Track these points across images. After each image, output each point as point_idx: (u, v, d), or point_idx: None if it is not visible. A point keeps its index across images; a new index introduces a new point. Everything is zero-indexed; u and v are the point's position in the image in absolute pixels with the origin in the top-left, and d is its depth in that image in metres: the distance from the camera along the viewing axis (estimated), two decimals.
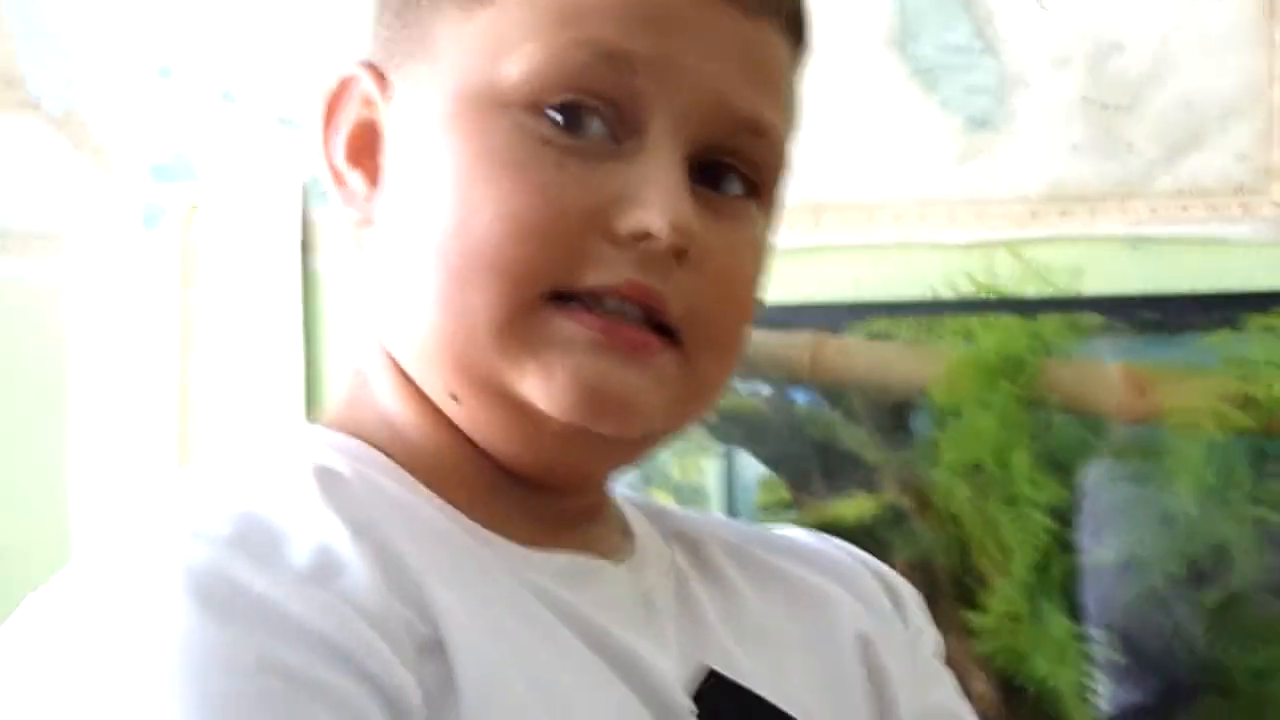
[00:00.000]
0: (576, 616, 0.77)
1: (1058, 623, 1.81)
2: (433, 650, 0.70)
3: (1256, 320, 1.80)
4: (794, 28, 0.83)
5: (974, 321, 1.87)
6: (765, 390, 1.91)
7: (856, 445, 1.88)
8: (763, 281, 0.83)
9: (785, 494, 1.92)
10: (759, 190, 0.81)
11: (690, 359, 0.78)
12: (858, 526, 1.86)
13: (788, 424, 1.91)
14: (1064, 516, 1.83)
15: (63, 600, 0.69)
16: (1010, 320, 1.86)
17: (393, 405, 0.82)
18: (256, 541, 0.69)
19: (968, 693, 0.96)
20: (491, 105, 0.77)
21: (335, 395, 0.87)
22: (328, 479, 0.75)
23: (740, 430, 1.91)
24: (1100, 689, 1.82)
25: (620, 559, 0.84)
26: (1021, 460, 1.81)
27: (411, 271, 0.79)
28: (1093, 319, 1.84)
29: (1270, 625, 1.78)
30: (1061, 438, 1.82)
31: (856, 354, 1.90)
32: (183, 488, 0.75)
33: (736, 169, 0.80)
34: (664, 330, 0.77)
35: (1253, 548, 1.77)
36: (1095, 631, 1.83)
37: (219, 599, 0.66)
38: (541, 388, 0.76)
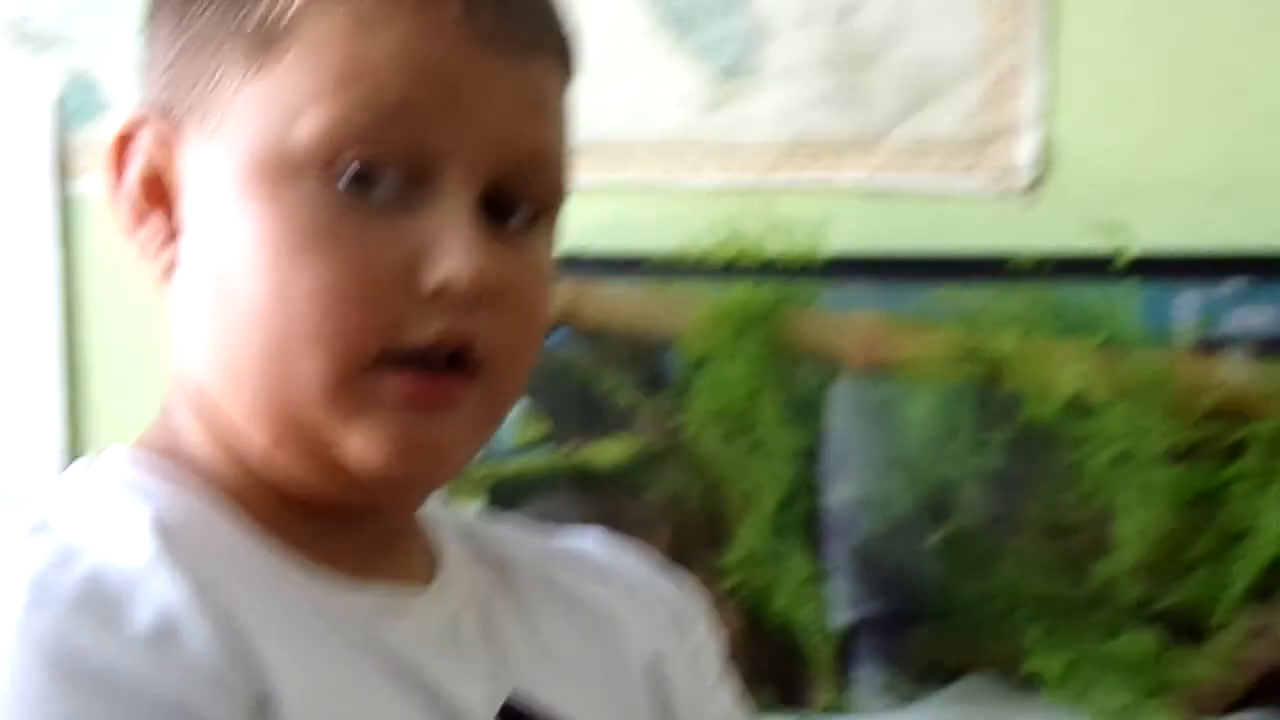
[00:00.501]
0: (389, 653, 0.82)
1: (799, 559, 1.91)
2: (264, 707, 0.75)
3: (982, 276, 1.90)
4: (565, 56, 0.87)
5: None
6: None
7: (612, 389, 1.94)
8: (553, 300, 0.88)
9: (544, 432, 1.96)
10: (544, 213, 0.86)
11: (490, 387, 0.83)
12: (613, 469, 1.92)
13: (546, 367, 1.96)
14: (807, 459, 1.92)
15: None
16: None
17: (200, 439, 0.85)
18: (99, 604, 0.73)
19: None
20: (285, 172, 0.79)
21: (151, 417, 0.89)
22: (166, 534, 0.78)
23: None
24: (837, 618, 1.93)
25: (428, 582, 0.89)
26: (768, 406, 1.90)
27: (228, 333, 0.81)
28: (834, 271, 1.92)
29: (989, 556, 1.91)
30: (805, 385, 1.90)
31: (611, 300, 1.95)
32: (24, 540, 0.78)
33: (524, 198, 0.84)
34: (465, 359, 0.82)
35: (976, 488, 1.91)
36: (833, 566, 1.93)
37: (63, 666, 0.70)
38: (362, 449, 0.80)
